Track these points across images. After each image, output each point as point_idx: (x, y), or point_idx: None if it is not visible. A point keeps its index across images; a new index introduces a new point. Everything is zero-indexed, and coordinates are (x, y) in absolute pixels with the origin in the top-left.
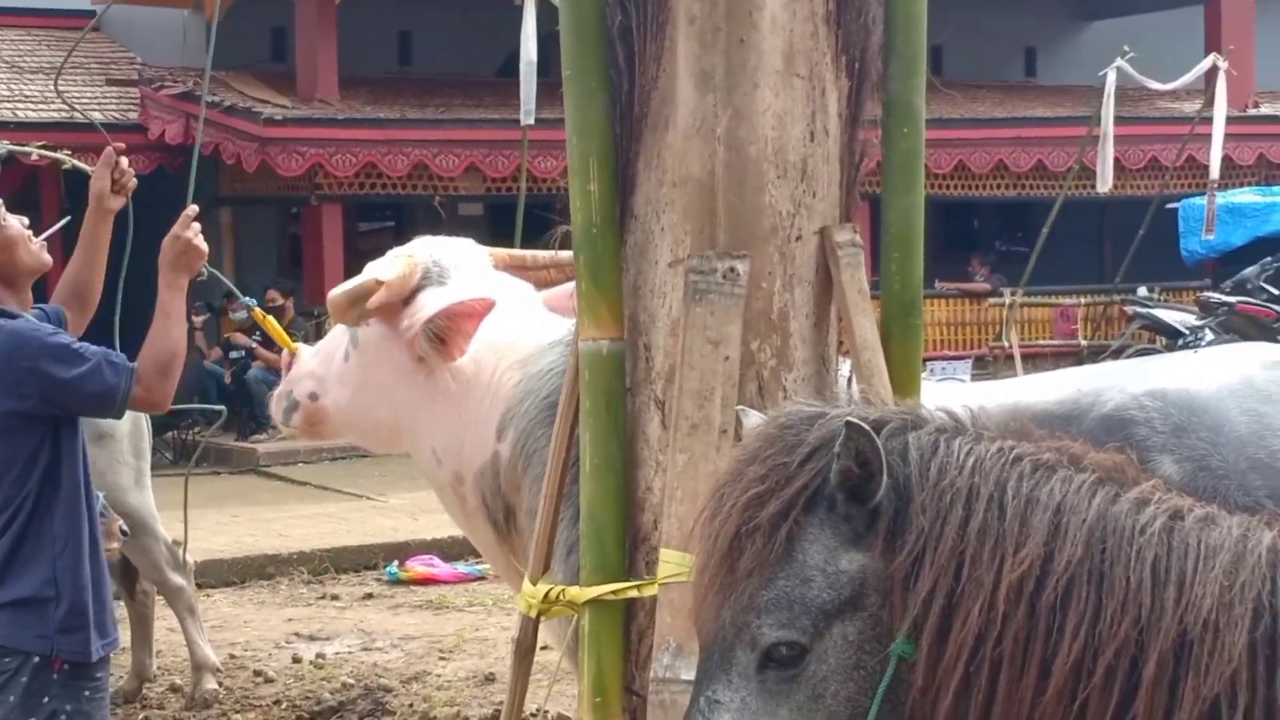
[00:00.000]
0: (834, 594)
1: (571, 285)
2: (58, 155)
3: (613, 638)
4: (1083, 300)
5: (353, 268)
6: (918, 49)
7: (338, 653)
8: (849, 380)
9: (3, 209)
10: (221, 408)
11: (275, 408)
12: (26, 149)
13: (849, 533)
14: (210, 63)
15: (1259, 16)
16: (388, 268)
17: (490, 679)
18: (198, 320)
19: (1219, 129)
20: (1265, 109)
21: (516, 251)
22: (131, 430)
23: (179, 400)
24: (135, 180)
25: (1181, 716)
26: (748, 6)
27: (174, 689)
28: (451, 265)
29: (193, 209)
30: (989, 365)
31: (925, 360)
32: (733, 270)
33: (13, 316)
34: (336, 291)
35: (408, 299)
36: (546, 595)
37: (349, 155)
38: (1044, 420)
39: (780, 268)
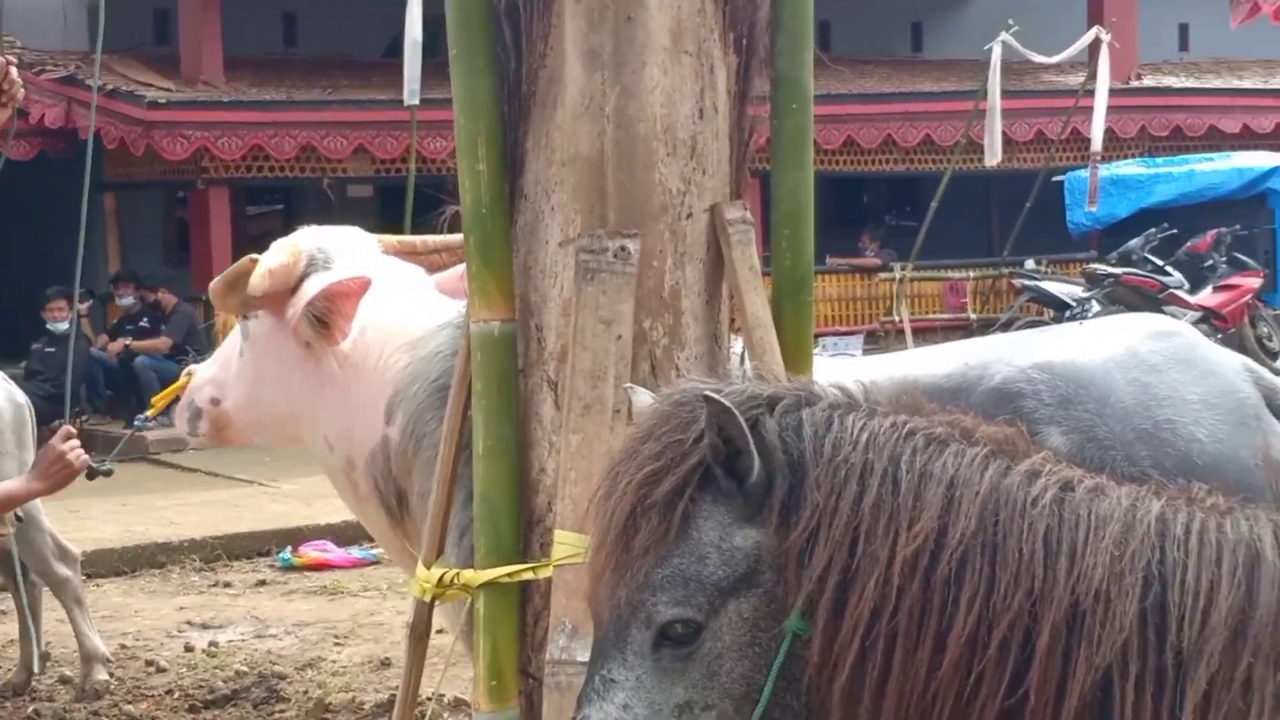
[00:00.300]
0: (729, 571)
1: (463, 267)
2: None
3: (508, 620)
4: (971, 274)
5: (241, 251)
6: (805, 24)
7: (231, 640)
8: (741, 357)
9: None
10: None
11: (180, 420)
12: None
13: (742, 509)
14: (101, 46)
15: None
16: (273, 258)
17: (385, 664)
18: (83, 307)
19: (1101, 102)
20: (1148, 81)
21: (406, 238)
22: (14, 420)
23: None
24: (23, 92)
25: (1075, 686)
26: None
27: (64, 680)
28: (336, 252)
29: (68, 429)
30: (880, 340)
31: (816, 336)
32: (624, 249)
33: None
34: (216, 280)
35: (294, 287)
36: (441, 579)
37: (235, 138)
38: (933, 394)
39: (671, 246)
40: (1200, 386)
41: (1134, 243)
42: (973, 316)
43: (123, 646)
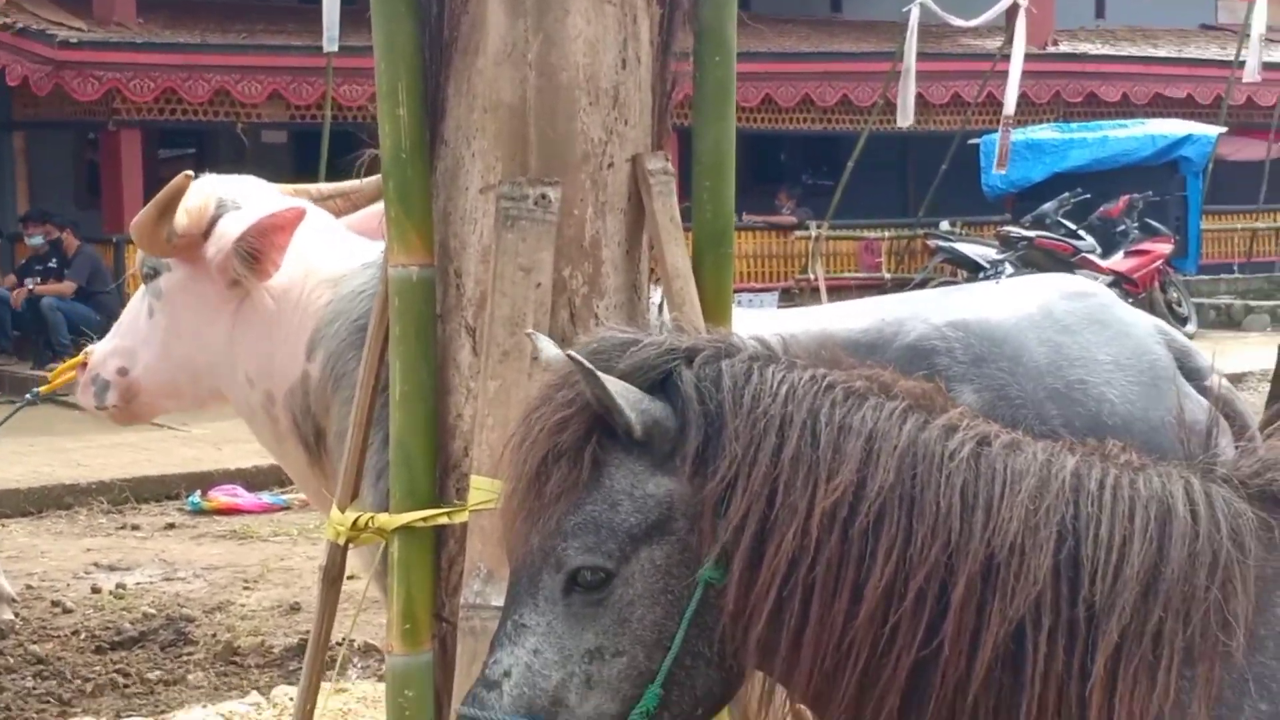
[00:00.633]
0: (641, 518)
1: (377, 208)
2: None
3: (422, 564)
4: (887, 234)
5: (153, 195)
6: None
7: (138, 583)
8: (660, 308)
9: None
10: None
11: (84, 396)
12: None
13: (656, 458)
14: None
15: None
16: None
17: (295, 608)
18: None
19: (1016, 66)
20: (1064, 47)
21: (301, 186)
22: None
23: None
24: None
25: (989, 637)
26: None
27: None
28: (243, 196)
29: None
30: (795, 298)
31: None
32: (544, 197)
33: None
34: (148, 206)
35: (206, 231)
36: (355, 522)
37: (147, 80)
38: (850, 349)
39: (592, 195)
40: (1113, 347)
41: (1047, 206)
42: (887, 276)
43: (28, 587)
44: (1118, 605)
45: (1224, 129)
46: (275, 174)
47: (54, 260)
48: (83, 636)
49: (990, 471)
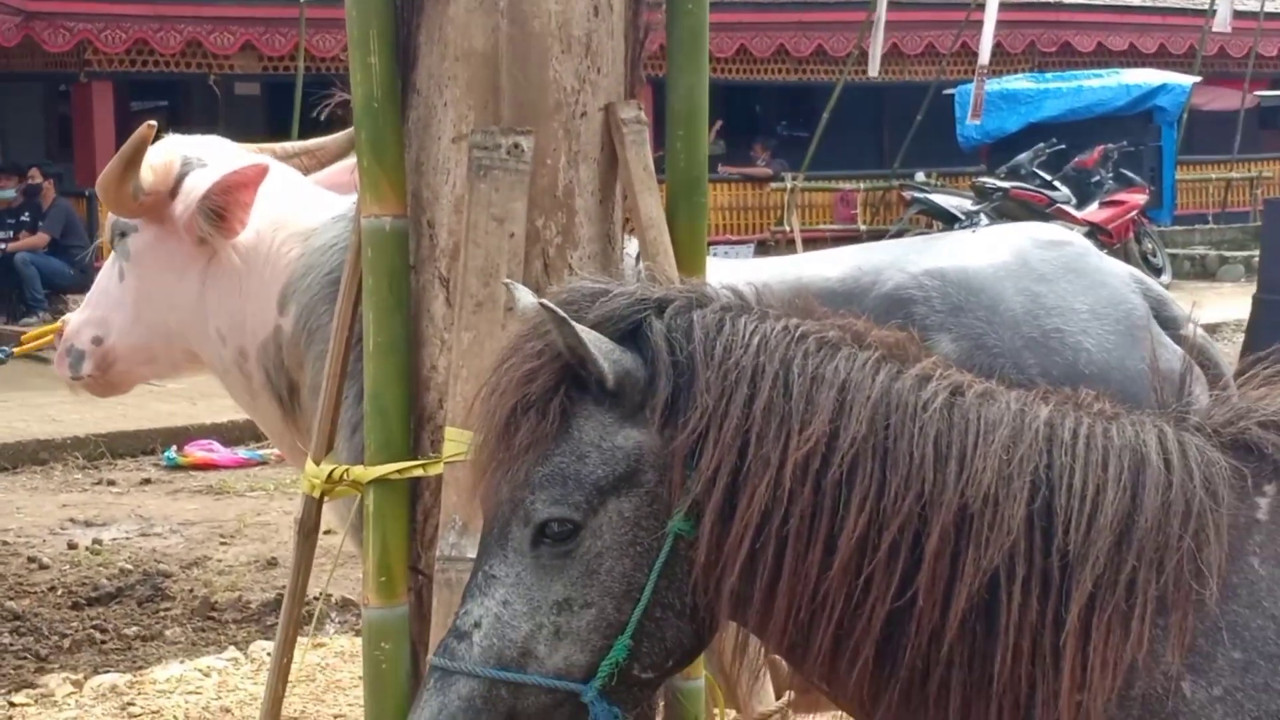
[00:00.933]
0: (608, 470)
1: (348, 162)
2: None
3: (398, 517)
4: (862, 185)
5: None
6: None
7: (115, 539)
8: (636, 258)
9: None
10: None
11: (60, 367)
12: None
13: (625, 410)
14: None
15: None
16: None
17: (272, 563)
18: None
19: (991, 15)
20: None
21: (266, 145)
22: None
23: None
24: None
25: (962, 588)
26: None
27: None
28: (208, 153)
29: None
30: (770, 249)
31: (707, 244)
32: (517, 146)
33: None
34: (107, 167)
35: (173, 189)
36: (330, 475)
37: (119, 30)
38: (826, 298)
39: (565, 144)
40: (1089, 296)
41: (1022, 157)
42: (863, 228)
43: (4, 543)
44: (1091, 554)
45: (1198, 78)
46: (248, 127)
47: (27, 214)
48: (59, 592)
49: (964, 422)
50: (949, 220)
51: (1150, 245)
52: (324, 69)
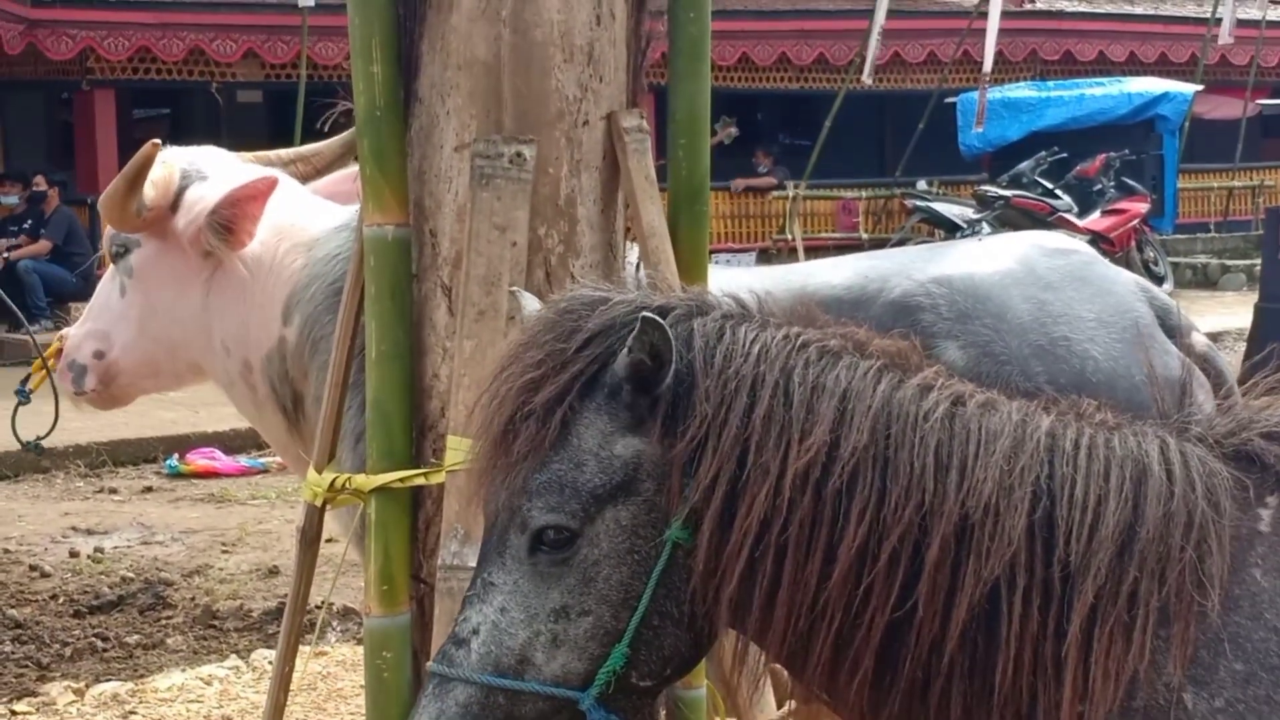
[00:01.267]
0: (606, 478)
1: (349, 170)
2: None
3: (400, 525)
4: (864, 194)
5: (127, 156)
6: None
7: (116, 547)
8: (637, 266)
9: None
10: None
11: (62, 383)
12: None
13: (628, 419)
14: None
15: None
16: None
17: (274, 572)
18: None
19: (993, 24)
20: (1041, 4)
21: (260, 154)
22: None
23: None
24: None
25: (963, 598)
26: None
27: None
28: (206, 164)
29: None
30: (773, 258)
31: (710, 252)
32: (519, 155)
33: None
34: (111, 185)
35: (173, 203)
36: (332, 484)
37: (121, 38)
38: (832, 306)
39: (567, 153)
40: (1096, 304)
41: (1024, 165)
42: (865, 236)
43: (5, 551)
44: (1093, 565)
45: (1200, 87)
46: (251, 135)
47: (29, 221)
48: (61, 600)
49: (965, 431)
50: (951, 229)
51: (1152, 254)
52: (326, 77)
